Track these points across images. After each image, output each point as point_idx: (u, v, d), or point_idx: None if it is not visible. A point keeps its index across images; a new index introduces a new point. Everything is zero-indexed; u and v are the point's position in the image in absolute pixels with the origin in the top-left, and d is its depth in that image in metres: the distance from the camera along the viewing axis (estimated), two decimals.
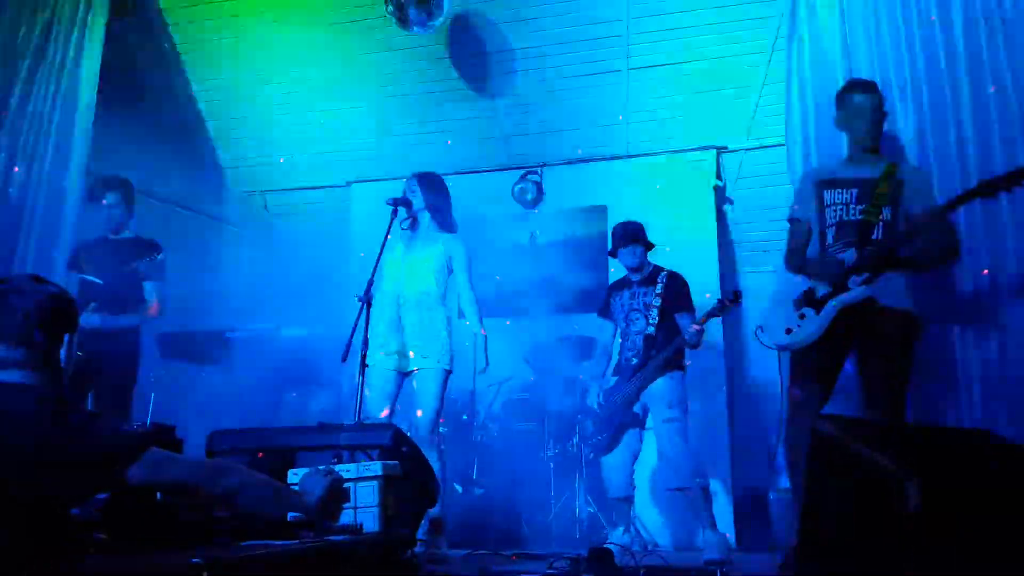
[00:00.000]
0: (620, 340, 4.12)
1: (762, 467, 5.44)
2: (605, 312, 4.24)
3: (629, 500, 4.03)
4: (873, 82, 3.27)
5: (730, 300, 3.74)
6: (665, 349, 3.88)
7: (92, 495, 1.75)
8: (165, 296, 4.18)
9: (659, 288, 3.99)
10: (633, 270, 4.08)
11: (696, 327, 3.78)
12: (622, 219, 4.21)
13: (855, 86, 3.22)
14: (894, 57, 3.59)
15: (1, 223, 4.41)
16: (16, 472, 1.53)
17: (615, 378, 4.07)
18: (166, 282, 4.18)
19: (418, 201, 3.84)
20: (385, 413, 3.64)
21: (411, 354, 3.67)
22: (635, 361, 3.95)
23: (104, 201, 4.16)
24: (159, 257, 4.07)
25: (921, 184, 3.07)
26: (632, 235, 4.04)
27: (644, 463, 4.05)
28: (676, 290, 4.02)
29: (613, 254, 4.18)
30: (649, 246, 4.10)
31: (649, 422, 3.98)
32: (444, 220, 3.89)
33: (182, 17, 5.21)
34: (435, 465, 3.49)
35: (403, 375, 3.72)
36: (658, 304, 3.96)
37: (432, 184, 3.89)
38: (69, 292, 1.87)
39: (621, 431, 3.97)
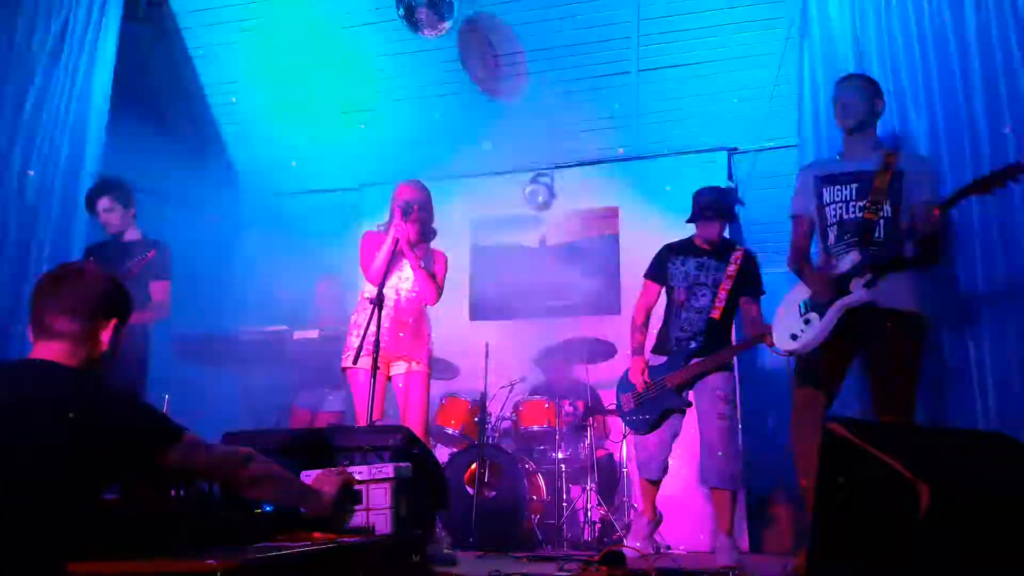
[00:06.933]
0: (672, 311, 3.87)
1: (772, 470, 5.42)
2: (657, 275, 3.94)
3: (658, 484, 3.84)
4: (864, 74, 3.27)
5: None
6: (737, 344, 3.75)
7: (128, 477, 1.77)
8: (171, 294, 4.13)
9: (733, 267, 3.76)
10: (708, 241, 3.85)
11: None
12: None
13: (843, 78, 3.23)
14: (906, 56, 3.57)
15: (16, 225, 4.45)
16: (53, 452, 1.55)
17: (664, 359, 3.81)
18: (171, 280, 4.14)
19: (421, 207, 3.85)
20: (378, 415, 3.65)
21: (401, 357, 3.69)
22: (694, 345, 3.71)
23: (98, 207, 4.13)
24: (151, 255, 4.04)
25: (921, 173, 3.01)
26: (725, 210, 3.85)
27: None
28: (752, 271, 3.81)
29: (693, 220, 3.89)
30: (732, 219, 3.92)
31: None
32: (430, 227, 3.91)
33: (194, 21, 5.25)
34: None
35: (389, 378, 3.75)
36: (729, 286, 3.73)
37: (428, 192, 3.91)
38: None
39: (668, 415, 3.76)
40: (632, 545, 3.76)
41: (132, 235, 4.22)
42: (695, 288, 3.80)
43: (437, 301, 3.82)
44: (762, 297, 3.83)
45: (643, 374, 3.80)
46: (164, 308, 4.12)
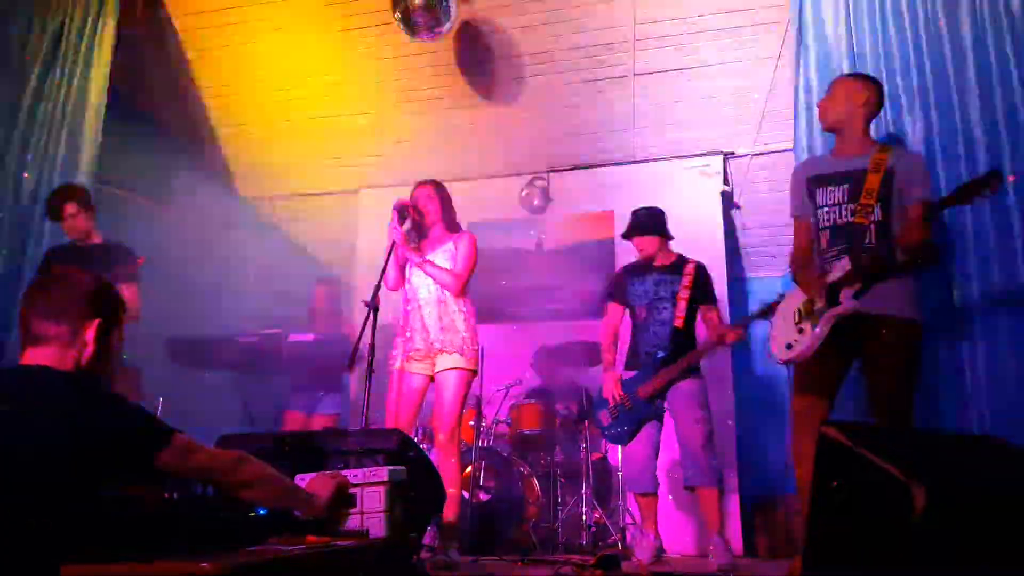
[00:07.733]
0: (637, 327, 4.03)
1: (768, 473, 5.43)
2: (619, 296, 4.11)
3: (655, 496, 3.92)
4: (849, 73, 3.32)
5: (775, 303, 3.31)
6: (700, 347, 3.86)
7: (124, 479, 1.77)
8: (137, 297, 4.01)
9: (687, 279, 3.93)
10: (650, 258, 4.01)
11: (740, 332, 3.79)
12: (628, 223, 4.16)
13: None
14: (901, 62, 3.58)
15: (12, 228, 4.44)
16: (51, 454, 1.55)
17: (635, 372, 3.95)
18: (140, 282, 4.06)
19: (433, 207, 3.82)
20: (410, 418, 3.63)
21: (435, 355, 3.65)
22: (661, 354, 3.86)
23: (64, 213, 4.06)
24: (140, 261, 4.00)
25: (912, 170, 2.97)
26: (657, 226, 4.01)
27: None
28: (705, 282, 3.99)
29: (629, 236, 4.08)
30: (669, 237, 4.07)
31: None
32: (452, 222, 3.89)
33: (190, 24, 5.25)
34: (452, 470, 3.48)
35: (428, 377, 3.69)
36: (687, 296, 3.90)
37: (437, 189, 3.88)
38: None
39: (643, 424, 3.89)
40: (642, 560, 3.78)
41: (95, 239, 4.17)
42: (655, 303, 3.97)
43: (458, 289, 3.71)
44: (719, 303, 4.10)
45: (616, 387, 3.95)
46: (132, 312, 4.06)
